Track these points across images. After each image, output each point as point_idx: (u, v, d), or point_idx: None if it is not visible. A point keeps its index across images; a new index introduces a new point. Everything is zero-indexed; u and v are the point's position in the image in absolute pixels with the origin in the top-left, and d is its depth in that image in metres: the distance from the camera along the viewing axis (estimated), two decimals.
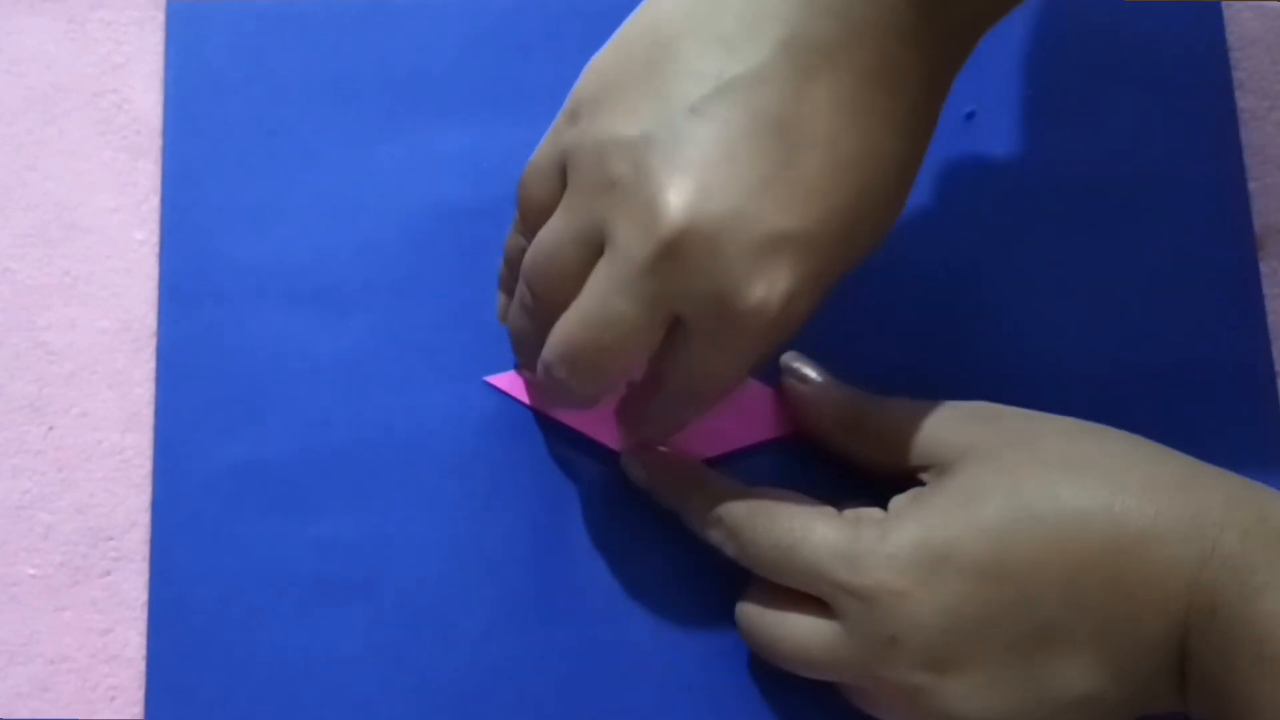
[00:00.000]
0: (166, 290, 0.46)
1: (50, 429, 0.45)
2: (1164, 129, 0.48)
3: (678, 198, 0.35)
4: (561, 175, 0.38)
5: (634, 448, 0.44)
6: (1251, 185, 0.48)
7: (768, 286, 0.36)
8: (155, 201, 0.47)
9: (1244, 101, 0.49)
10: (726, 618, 0.43)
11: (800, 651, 0.40)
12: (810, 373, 0.44)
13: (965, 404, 0.41)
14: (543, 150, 0.39)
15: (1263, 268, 0.47)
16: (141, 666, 0.43)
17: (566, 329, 0.37)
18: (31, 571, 0.44)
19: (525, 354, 0.42)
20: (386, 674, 0.43)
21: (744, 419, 0.45)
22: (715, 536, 0.41)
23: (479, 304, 0.46)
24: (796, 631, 0.39)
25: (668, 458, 0.44)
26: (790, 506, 0.40)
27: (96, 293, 0.46)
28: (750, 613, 0.41)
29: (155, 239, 0.46)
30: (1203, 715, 0.37)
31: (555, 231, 0.38)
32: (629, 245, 0.36)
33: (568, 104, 0.38)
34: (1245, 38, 0.49)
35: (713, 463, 0.44)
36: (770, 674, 0.42)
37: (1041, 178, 0.48)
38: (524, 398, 0.45)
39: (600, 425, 0.45)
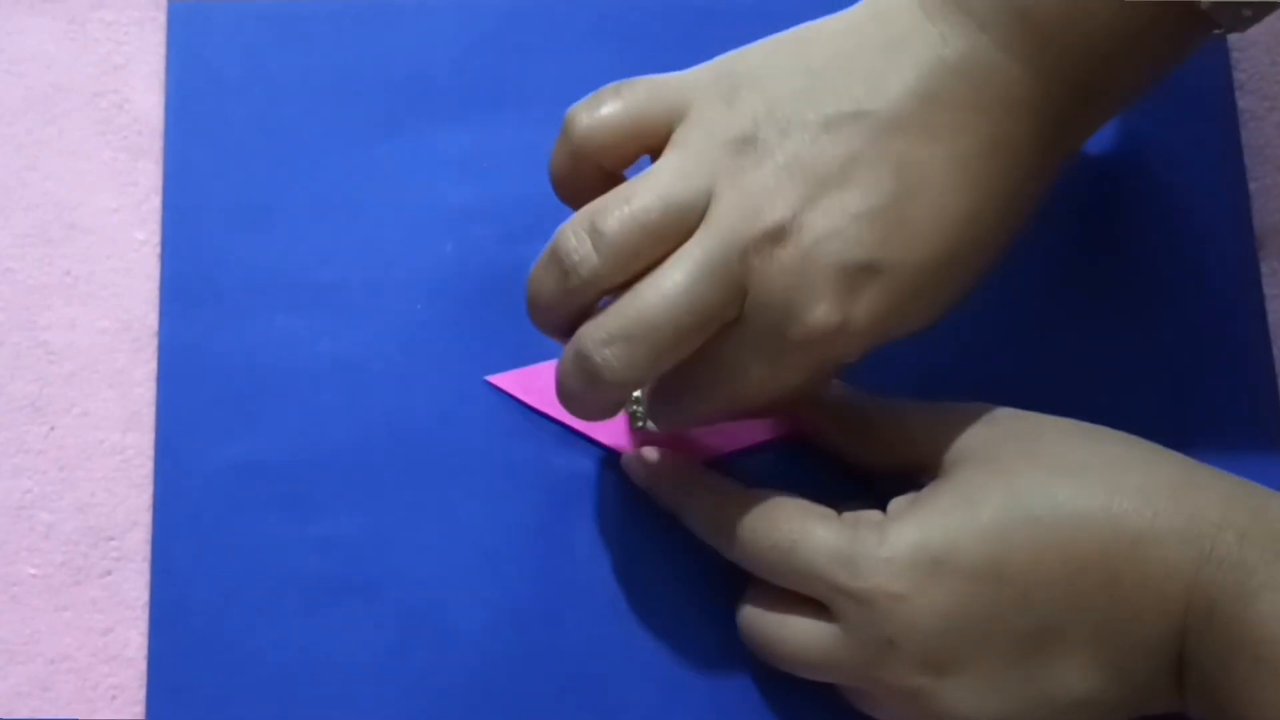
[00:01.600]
0: (167, 290, 0.46)
1: (51, 429, 0.45)
2: (1164, 129, 0.48)
3: (788, 197, 0.36)
4: (668, 120, 0.38)
5: (635, 448, 0.44)
6: (1252, 186, 0.48)
7: (832, 311, 0.37)
8: (156, 201, 0.47)
9: (1244, 102, 0.49)
10: (726, 618, 0.43)
11: (799, 654, 0.40)
12: None
13: (963, 405, 0.41)
14: (665, 83, 0.39)
15: (1263, 268, 0.47)
16: (142, 666, 0.43)
17: (644, 299, 0.37)
18: (32, 571, 0.44)
19: (548, 321, 0.39)
20: (386, 674, 0.43)
21: (744, 419, 0.45)
22: (715, 539, 0.41)
23: (479, 304, 0.46)
24: (796, 634, 0.39)
25: (668, 459, 0.44)
26: (789, 509, 0.40)
27: (97, 293, 0.46)
28: (750, 615, 0.41)
29: (156, 239, 0.47)
30: (1201, 715, 0.37)
31: (662, 185, 0.37)
32: (732, 224, 0.37)
33: (710, 69, 0.39)
34: (1245, 38, 0.49)
35: (713, 463, 0.44)
36: (770, 674, 0.42)
37: None
38: (525, 397, 0.45)
39: (600, 425, 0.45)
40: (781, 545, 0.39)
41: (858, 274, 0.36)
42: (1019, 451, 0.39)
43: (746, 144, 0.37)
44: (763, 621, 0.40)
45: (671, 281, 0.36)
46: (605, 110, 0.39)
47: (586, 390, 0.38)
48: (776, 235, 0.36)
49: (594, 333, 0.37)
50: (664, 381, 0.39)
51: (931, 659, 0.37)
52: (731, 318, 0.37)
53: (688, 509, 0.42)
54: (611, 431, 0.45)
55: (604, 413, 0.40)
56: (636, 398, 0.45)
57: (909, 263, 0.37)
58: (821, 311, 0.36)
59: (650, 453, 0.44)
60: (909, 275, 0.37)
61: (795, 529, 0.39)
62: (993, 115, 0.37)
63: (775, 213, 0.36)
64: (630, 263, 0.37)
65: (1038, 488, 0.37)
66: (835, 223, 0.36)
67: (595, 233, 0.37)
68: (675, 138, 0.38)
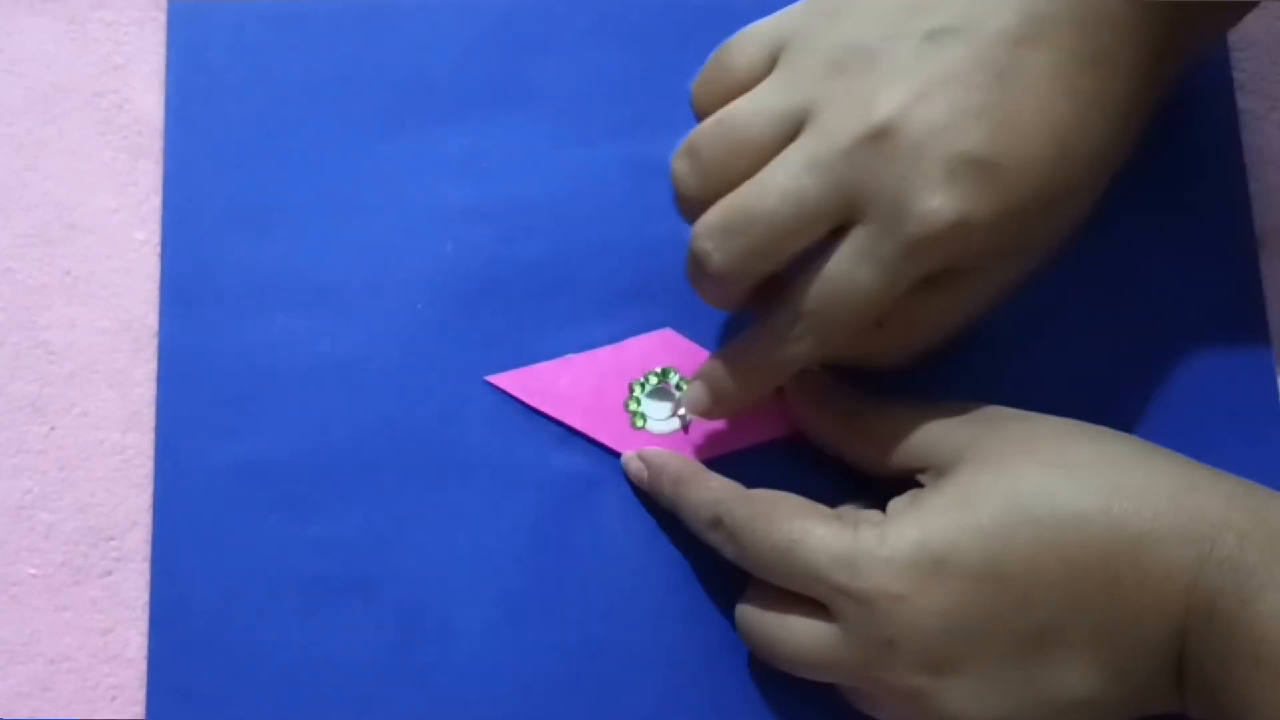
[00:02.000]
0: (168, 290, 0.46)
1: (51, 429, 0.45)
2: (1164, 130, 0.48)
3: (894, 94, 0.37)
4: (772, 56, 0.39)
5: (635, 449, 0.44)
6: (1252, 186, 0.48)
7: (945, 201, 0.37)
8: (156, 201, 0.47)
9: (1244, 102, 0.49)
10: (726, 617, 0.43)
11: (799, 654, 0.40)
12: (810, 374, 0.44)
13: (963, 405, 0.41)
14: (766, 26, 0.40)
15: (1264, 268, 0.47)
16: (142, 666, 0.43)
17: (740, 196, 0.38)
18: (32, 571, 0.44)
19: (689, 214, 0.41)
20: (387, 673, 0.43)
21: (744, 419, 0.45)
22: (715, 538, 0.41)
23: (479, 304, 0.46)
24: (795, 634, 0.39)
25: (668, 458, 0.44)
26: (789, 509, 0.40)
27: (96, 293, 0.46)
28: (749, 614, 0.41)
29: (156, 239, 0.47)
30: (1201, 715, 0.37)
31: (759, 100, 0.39)
32: (835, 125, 0.37)
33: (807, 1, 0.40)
34: (1245, 39, 0.49)
35: (713, 463, 0.44)
36: (770, 674, 0.42)
37: None
38: (525, 397, 0.45)
39: (600, 425, 0.45)
40: (781, 546, 0.39)
41: (971, 167, 0.37)
42: (1019, 451, 0.39)
43: (849, 56, 0.38)
44: (762, 621, 0.40)
45: (770, 178, 0.38)
46: (712, 74, 0.40)
47: (697, 278, 0.40)
48: (883, 130, 0.37)
49: (700, 226, 0.39)
50: (772, 316, 0.40)
51: (931, 659, 0.37)
52: (835, 219, 0.38)
53: (686, 509, 0.42)
54: (611, 431, 0.45)
55: (725, 302, 0.41)
56: (638, 398, 0.45)
57: (1022, 160, 0.37)
58: (937, 203, 0.37)
59: (650, 453, 0.44)
60: (1024, 174, 0.37)
61: (795, 529, 0.39)
62: (1091, 31, 0.38)
63: (881, 110, 0.37)
64: (726, 175, 0.39)
65: (1038, 488, 0.37)
66: (944, 117, 0.37)
67: (693, 153, 0.39)
68: (779, 61, 0.39)
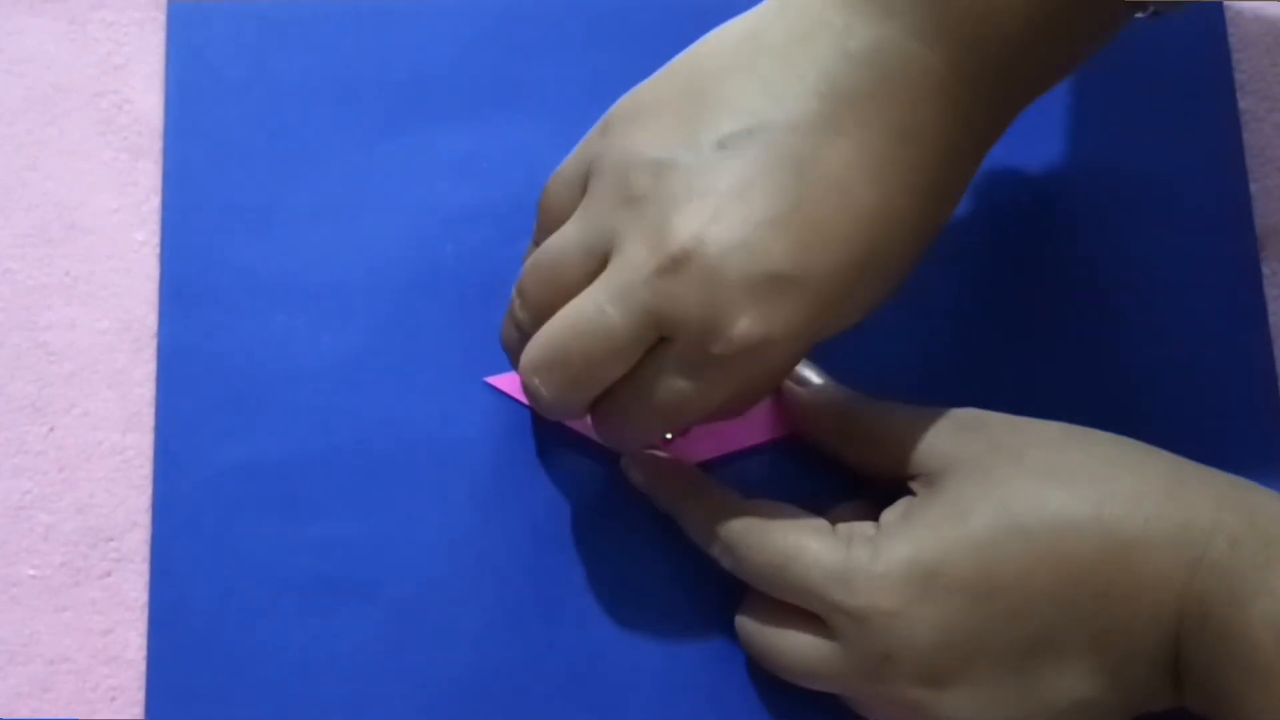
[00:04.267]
0: (167, 291, 0.46)
1: (51, 429, 0.45)
2: (1165, 130, 0.48)
3: (689, 219, 0.36)
4: (584, 187, 0.39)
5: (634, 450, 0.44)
6: (1253, 187, 0.48)
7: (754, 323, 0.36)
8: (156, 202, 0.47)
9: (1245, 103, 0.49)
10: (726, 619, 0.43)
11: (798, 665, 0.40)
12: (809, 375, 0.44)
13: (956, 412, 0.41)
14: (570, 161, 0.40)
15: (1264, 269, 0.47)
16: (142, 667, 0.43)
17: (552, 332, 0.38)
18: (32, 572, 0.44)
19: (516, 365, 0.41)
20: (386, 674, 0.43)
21: (742, 421, 0.45)
22: (712, 549, 0.41)
23: (479, 304, 0.46)
24: (794, 647, 0.40)
25: (666, 463, 0.44)
26: (783, 523, 0.40)
27: (96, 293, 0.46)
28: (748, 626, 0.41)
29: (156, 239, 0.47)
30: (1202, 712, 0.37)
31: (563, 237, 0.38)
32: (634, 256, 0.36)
33: (603, 120, 0.39)
34: (1246, 39, 0.49)
35: (710, 465, 0.44)
36: (769, 677, 0.42)
37: (1041, 179, 0.47)
38: (524, 398, 0.45)
39: None
40: (775, 561, 0.39)
41: (773, 284, 0.36)
42: (1008, 460, 0.38)
43: (640, 179, 0.37)
44: (761, 634, 0.40)
45: (579, 312, 0.37)
46: (539, 222, 0.41)
47: (536, 408, 0.40)
48: (681, 257, 0.36)
49: (524, 361, 0.39)
50: (601, 410, 0.39)
51: (929, 672, 0.37)
52: (647, 343, 0.37)
53: (684, 517, 0.42)
54: None
55: (570, 416, 0.41)
56: None
57: (824, 268, 0.36)
58: (742, 326, 0.36)
59: (648, 456, 0.44)
60: (827, 281, 0.36)
61: (789, 545, 0.39)
62: (902, 104, 0.37)
63: (676, 237, 0.36)
64: (548, 313, 0.38)
65: (1028, 497, 0.37)
66: (740, 234, 0.36)
67: (521, 294, 0.40)
68: (586, 190, 0.39)
